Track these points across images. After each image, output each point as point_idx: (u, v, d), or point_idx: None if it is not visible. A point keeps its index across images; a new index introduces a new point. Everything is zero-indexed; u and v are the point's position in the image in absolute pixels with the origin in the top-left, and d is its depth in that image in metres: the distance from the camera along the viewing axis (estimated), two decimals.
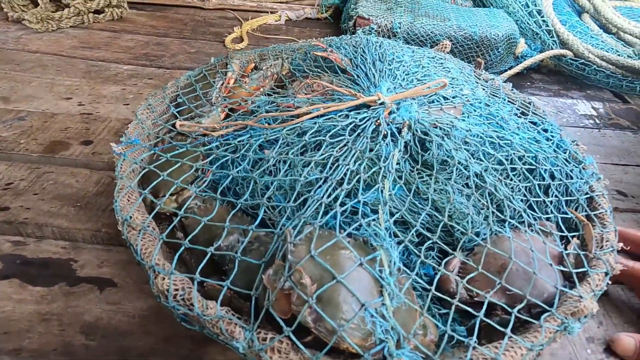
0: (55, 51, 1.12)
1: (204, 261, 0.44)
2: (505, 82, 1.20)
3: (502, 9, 1.31)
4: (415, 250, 0.47)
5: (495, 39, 1.13)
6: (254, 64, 0.78)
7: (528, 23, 1.29)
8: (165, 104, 0.73)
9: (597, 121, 1.06)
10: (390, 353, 0.34)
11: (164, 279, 0.41)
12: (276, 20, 1.51)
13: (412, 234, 0.48)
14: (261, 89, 0.76)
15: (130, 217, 0.48)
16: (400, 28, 1.13)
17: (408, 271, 0.44)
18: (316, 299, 0.36)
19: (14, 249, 0.57)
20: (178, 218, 0.50)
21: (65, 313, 0.50)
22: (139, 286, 0.54)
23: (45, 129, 0.80)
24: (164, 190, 0.54)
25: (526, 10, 1.30)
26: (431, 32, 1.12)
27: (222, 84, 0.74)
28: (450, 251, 0.48)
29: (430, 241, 0.47)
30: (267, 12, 1.56)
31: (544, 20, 1.28)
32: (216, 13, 1.54)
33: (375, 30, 1.13)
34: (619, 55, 1.22)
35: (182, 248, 0.45)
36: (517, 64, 1.25)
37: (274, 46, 0.99)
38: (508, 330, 0.39)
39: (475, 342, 0.37)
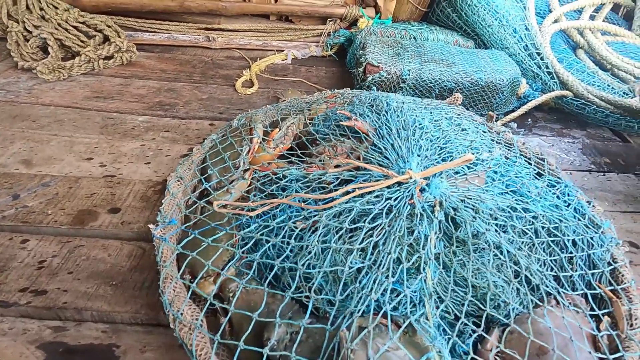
0: (69, 103, 1.13)
1: None
2: (510, 122, 1.25)
3: (503, 51, 1.36)
4: (459, 341, 0.49)
5: (500, 84, 1.18)
6: (277, 128, 0.81)
7: (529, 65, 1.34)
8: (194, 173, 0.74)
9: (601, 163, 1.10)
10: None
11: None
12: (283, 60, 1.54)
13: (459, 325, 0.50)
14: (282, 150, 0.78)
15: (182, 314, 0.49)
16: (409, 75, 1.16)
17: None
18: None
19: (55, 336, 0.58)
20: (228, 316, 0.51)
21: None
22: None
23: (70, 196, 0.80)
24: (204, 273, 0.55)
25: (527, 52, 1.36)
26: (439, 79, 1.16)
27: (248, 151, 0.76)
28: (486, 336, 0.51)
29: (476, 333, 0.49)
30: (273, 51, 1.59)
31: (544, 62, 1.33)
32: (223, 53, 1.57)
33: (385, 78, 1.17)
34: (615, 93, 1.28)
35: (239, 350, 0.46)
36: (520, 104, 1.29)
37: (290, 100, 1.02)
38: None
39: None
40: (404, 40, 1.37)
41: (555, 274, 0.59)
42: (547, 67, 1.32)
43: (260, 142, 0.78)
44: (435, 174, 0.63)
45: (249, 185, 0.71)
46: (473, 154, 0.73)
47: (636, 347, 0.50)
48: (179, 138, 1.03)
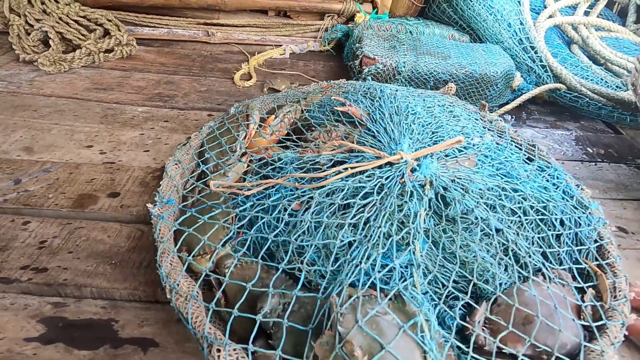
0: (70, 94, 1.15)
1: (254, 331, 0.46)
2: (505, 114, 1.27)
3: (498, 45, 1.38)
4: (447, 309, 0.51)
5: (494, 76, 1.20)
6: (274, 115, 0.82)
7: (523, 58, 1.36)
8: (191, 157, 0.76)
9: (593, 153, 1.12)
10: None
11: (219, 350, 0.44)
12: (281, 54, 1.55)
13: (446, 289, 0.51)
14: (279, 136, 0.80)
15: (178, 285, 0.50)
16: (404, 67, 1.18)
17: (447, 335, 0.48)
18: None
19: (55, 311, 0.59)
20: (223, 286, 0.52)
21: None
22: (181, 345, 0.57)
23: (71, 181, 0.82)
24: (200, 251, 0.57)
25: (521, 46, 1.37)
26: (434, 71, 1.18)
27: (245, 137, 0.78)
28: (475, 305, 0.52)
29: (463, 301, 0.51)
30: (271, 46, 1.61)
31: (538, 56, 1.35)
32: (222, 47, 1.59)
33: (381, 70, 1.19)
34: (608, 87, 1.30)
35: (232, 317, 0.47)
36: (515, 97, 1.31)
37: (287, 90, 1.04)
38: None
39: None
40: (400, 34, 1.39)
41: (542, 250, 0.60)
42: (540, 61, 1.34)
43: (257, 128, 0.80)
44: (426, 155, 0.65)
45: (246, 169, 0.73)
46: (463, 134, 0.75)
47: (619, 316, 0.51)
48: (177, 128, 1.05)
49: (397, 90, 0.85)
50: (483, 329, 0.51)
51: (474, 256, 0.55)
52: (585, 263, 0.59)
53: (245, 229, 0.61)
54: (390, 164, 0.63)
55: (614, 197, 0.95)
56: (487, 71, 1.19)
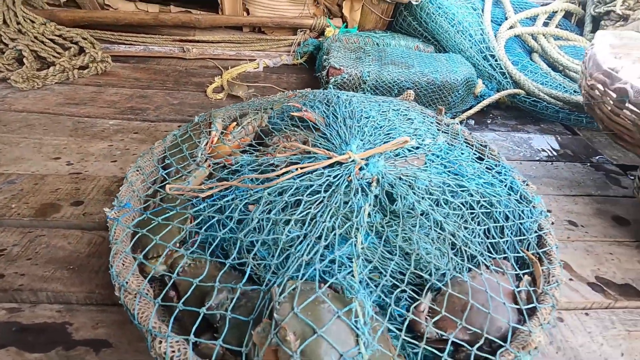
0: (42, 109, 1.17)
1: (197, 322, 0.48)
2: (468, 119, 1.32)
3: (460, 54, 1.45)
4: (387, 297, 0.53)
5: (455, 83, 1.25)
6: (235, 123, 0.85)
7: (484, 66, 1.43)
8: (153, 164, 0.78)
9: (550, 154, 1.17)
10: None
11: (161, 342, 0.45)
12: (255, 68, 1.60)
13: (386, 279, 0.54)
14: (242, 144, 0.83)
15: (127, 282, 0.52)
16: (369, 77, 1.23)
17: (380, 319, 0.50)
18: (300, 354, 0.41)
19: (10, 317, 0.60)
20: (171, 281, 0.54)
21: None
22: (134, 345, 0.57)
23: (35, 191, 0.83)
24: (154, 252, 0.58)
25: (481, 55, 1.44)
26: (397, 79, 1.23)
27: (206, 143, 0.80)
28: (417, 297, 0.55)
29: (400, 289, 0.53)
30: (246, 60, 1.66)
31: (497, 64, 1.42)
32: (197, 62, 1.63)
33: (347, 79, 1.23)
34: (565, 91, 1.36)
35: (177, 311, 0.49)
36: (477, 103, 1.37)
37: (252, 100, 1.07)
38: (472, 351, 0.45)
39: None
40: (367, 46, 1.45)
41: (482, 241, 0.63)
42: (500, 68, 1.41)
43: (219, 135, 0.83)
44: (374, 155, 0.68)
45: (209, 175, 0.75)
46: (414, 135, 0.79)
47: (550, 299, 0.54)
48: (147, 139, 1.07)
49: (353, 96, 0.89)
50: (426, 318, 0.53)
51: (417, 249, 0.58)
52: (523, 252, 0.62)
53: (200, 230, 0.62)
54: (340, 163, 0.66)
55: (567, 193, 0.99)
56: (448, 79, 1.25)
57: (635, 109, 0.80)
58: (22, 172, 0.89)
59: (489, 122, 1.35)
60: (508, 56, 1.51)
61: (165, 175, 0.73)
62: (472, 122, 1.33)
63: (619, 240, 0.84)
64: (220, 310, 0.51)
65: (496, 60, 1.43)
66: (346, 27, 1.67)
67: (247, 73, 1.58)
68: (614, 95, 0.85)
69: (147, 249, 0.57)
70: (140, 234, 0.59)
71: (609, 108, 0.88)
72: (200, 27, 1.64)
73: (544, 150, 1.19)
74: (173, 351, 0.44)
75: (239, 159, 0.73)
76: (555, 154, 1.18)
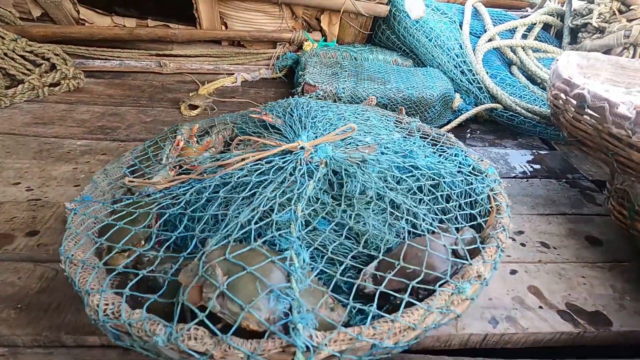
0: (7, 130, 1.13)
1: (135, 280, 0.47)
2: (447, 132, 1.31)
3: (438, 68, 1.44)
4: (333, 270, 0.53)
5: (431, 99, 1.24)
6: (197, 125, 0.86)
7: (462, 80, 1.42)
8: (121, 169, 0.77)
9: (526, 170, 1.17)
10: (293, 322, 0.38)
11: (94, 296, 0.44)
12: (233, 83, 1.58)
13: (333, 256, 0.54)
14: (212, 150, 0.83)
15: (72, 255, 0.51)
16: (344, 93, 1.22)
17: (314, 264, 0.51)
18: (226, 287, 0.41)
19: None
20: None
21: None
22: None
23: None
24: (117, 242, 0.55)
25: (459, 69, 1.44)
26: (373, 95, 1.22)
27: (171, 147, 0.79)
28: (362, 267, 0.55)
29: (344, 264, 0.54)
30: (224, 74, 1.64)
31: (474, 78, 1.41)
32: (174, 77, 1.60)
33: (322, 96, 1.22)
34: (543, 105, 1.36)
35: (116, 272, 0.49)
36: (455, 117, 1.36)
37: (222, 116, 1.06)
38: (406, 296, 0.46)
39: (376, 310, 0.43)
40: (344, 61, 1.44)
41: (429, 208, 0.66)
42: (477, 83, 1.40)
43: (186, 140, 0.82)
44: (324, 144, 0.69)
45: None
46: (369, 132, 0.80)
47: (495, 241, 0.57)
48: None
49: (312, 101, 0.91)
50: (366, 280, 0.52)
51: (364, 223, 0.59)
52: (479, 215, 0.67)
53: (161, 225, 0.61)
54: (290, 152, 0.68)
55: (541, 212, 0.98)
56: (424, 94, 1.24)
57: (593, 112, 0.81)
58: None
59: (467, 136, 1.35)
60: (486, 69, 1.51)
61: (128, 175, 0.72)
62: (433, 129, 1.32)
63: (591, 262, 0.83)
64: (162, 275, 0.50)
65: (473, 75, 1.42)
66: (325, 40, 1.67)
67: (224, 88, 1.56)
68: (574, 102, 0.86)
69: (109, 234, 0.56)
70: (105, 223, 0.58)
71: (571, 115, 0.89)
72: (177, 41, 1.62)
73: (520, 167, 1.18)
74: (107, 304, 0.43)
75: (200, 158, 0.73)
76: (531, 169, 1.17)
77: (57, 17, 1.58)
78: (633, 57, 1.51)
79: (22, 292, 0.67)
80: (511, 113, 1.35)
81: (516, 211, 0.98)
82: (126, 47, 1.63)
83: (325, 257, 0.54)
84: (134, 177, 0.71)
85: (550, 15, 1.85)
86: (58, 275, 0.70)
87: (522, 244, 0.87)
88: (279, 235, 0.51)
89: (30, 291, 0.67)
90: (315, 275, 0.50)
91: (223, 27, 1.67)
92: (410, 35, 1.51)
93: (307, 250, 0.52)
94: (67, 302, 0.65)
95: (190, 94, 1.38)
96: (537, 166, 1.19)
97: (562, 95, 0.92)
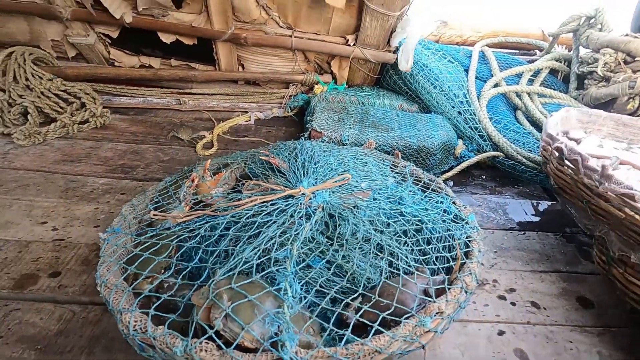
0: (39, 167, 1.24)
1: (159, 302, 0.57)
2: (447, 181, 1.35)
3: (442, 115, 1.50)
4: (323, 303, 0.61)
5: (432, 148, 1.29)
6: (210, 160, 0.97)
7: (465, 128, 1.47)
8: (145, 203, 0.86)
9: (524, 222, 1.19)
10: (282, 340, 0.48)
11: (126, 315, 0.53)
12: (246, 121, 1.67)
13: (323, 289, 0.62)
14: (226, 185, 0.91)
15: (107, 279, 0.60)
16: (348, 140, 1.28)
17: (307, 295, 0.59)
18: (230, 309, 0.51)
19: None
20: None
21: None
22: None
23: (18, 260, 0.89)
24: (144, 270, 0.64)
25: (462, 117, 1.49)
26: (375, 143, 1.28)
27: (188, 186, 0.87)
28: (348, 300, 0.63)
29: (330, 295, 0.62)
30: (239, 112, 1.74)
31: (477, 126, 1.46)
32: (192, 114, 1.71)
33: (327, 142, 1.29)
34: None
35: (142, 295, 0.58)
36: (458, 164, 1.40)
37: (234, 154, 1.14)
38: (376, 324, 0.53)
39: (350, 334, 0.52)
40: (351, 107, 1.51)
41: (411, 250, 0.73)
42: (480, 131, 1.45)
43: (200, 176, 0.90)
44: (322, 190, 0.77)
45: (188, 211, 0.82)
46: (365, 177, 0.88)
47: (460, 282, 0.65)
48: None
49: (316, 145, 1.00)
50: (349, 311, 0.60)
51: (352, 262, 0.67)
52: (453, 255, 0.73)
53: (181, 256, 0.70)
54: (292, 196, 0.76)
55: (534, 269, 1.00)
56: (425, 143, 1.29)
57: (570, 164, 0.90)
58: (10, 238, 0.95)
59: (469, 183, 1.38)
60: (491, 115, 1.55)
61: (151, 208, 0.82)
62: (451, 183, 1.36)
63: (580, 326, 0.85)
64: (180, 299, 0.59)
65: (476, 122, 1.47)
66: (335, 83, 1.75)
67: (238, 126, 1.65)
68: (556, 154, 0.94)
69: (135, 266, 0.65)
70: (133, 254, 0.67)
71: (554, 165, 0.97)
72: (197, 81, 1.73)
73: (517, 218, 1.21)
74: (136, 321, 0.52)
75: (214, 195, 0.83)
76: (529, 221, 1.20)
77: (90, 57, 1.72)
78: (638, 107, 1.53)
79: (42, 333, 0.74)
80: (513, 161, 1.38)
81: (510, 266, 1.01)
82: (150, 85, 1.75)
83: (314, 289, 0.63)
84: (157, 212, 0.80)
85: (557, 60, 1.89)
86: (75, 317, 0.77)
87: (513, 303, 0.90)
88: (276, 270, 0.60)
89: (49, 332, 0.74)
90: (307, 305, 0.59)
91: (240, 68, 1.78)
92: (416, 81, 1.58)
93: (300, 283, 0.61)
94: (81, 347, 0.72)
95: (181, 129, 1.52)
96: (536, 218, 1.21)
97: (548, 147, 0.98)
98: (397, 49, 1.60)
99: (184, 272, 0.64)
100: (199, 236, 0.70)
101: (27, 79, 1.52)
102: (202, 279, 0.65)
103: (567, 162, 0.90)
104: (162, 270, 0.65)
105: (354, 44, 1.62)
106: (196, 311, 0.52)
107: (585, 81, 1.75)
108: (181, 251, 0.69)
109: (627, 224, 0.74)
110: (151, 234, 0.72)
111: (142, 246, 0.69)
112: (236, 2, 1.50)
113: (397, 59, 1.59)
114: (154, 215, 0.77)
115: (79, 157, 1.32)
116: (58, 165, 1.27)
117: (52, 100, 1.49)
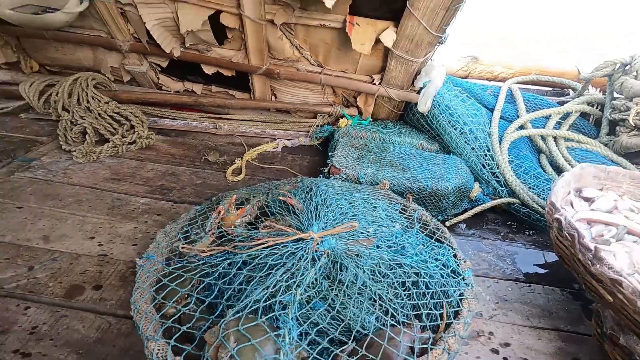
0: (92, 184, 1.43)
1: (178, 334, 0.68)
2: (460, 223, 1.39)
3: (461, 156, 1.54)
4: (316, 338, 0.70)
5: (445, 191, 1.34)
6: (235, 195, 1.08)
7: (482, 171, 1.50)
8: (176, 231, 0.99)
9: (531, 274, 1.20)
10: None
11: (151, 343, 0.65)
12: (274, 148, 1.80)
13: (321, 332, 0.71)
14: (247, 217, 1.02)
15: (139, 306, 0.72)
16: (364, 178, 1.36)
17: (305, 346, 0.66)
18: (235, 351, 0.60)
19: None
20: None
21: None
22: None
23: (70, 271, 1.05)
24: (169, 299, 0.77)
25: (479, 161, 1.52)
26: (391, 183, 1.35)
27: (214, 217, 0.99)
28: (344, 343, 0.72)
29: (328, 337, 0.70)
30: (268, 139, 1.87)
31: (494, 172, 1.48)
32: (226, 139, 1.86)
33: (345, 179, 1.37)
34: None
35: (166, 325, 0.69)
36: (473, 206, 1.43)
37: (258, 186, 1.25)
38: None
39: None
40: (372, 143, 1.59)
41: (405, 303, 0.79)
42: (497, 177, 1.47)
43: (226, 209, 1.02)
44: (331, 235, 0.86)
45: (212, 241, 0.94)
46: (373, 222, 0.96)
47: (443, 343, 0.71)
48: (166, 222, 1.27)
49: (332, 187, 1.09)
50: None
51: (349, 309, 0.75)
52: (441, 312, 0.78)
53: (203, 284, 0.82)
54: (302, 239, 0.85)
55: (534, 324, 1.03)
56: (439, 186, 1.34)
57: (568, 236, 0.92)
58: (64, 250, 1.11)
59: (482, 226, 1.41)
60: (512, 158, 1.57)
61: (182, 240, 0.95)
62: (463, 225, 1.40)
63: None
64: (198, 332, 0.70)
65: (495, 167, 1.49)
66: (360, 116, 1.84)
67: (266, 153, 1.78)
68: (556, 225, 0.97)
69: (163, 294, 0.78)
70: (162, 283, 0.79)
71: (555, 232, 0.99)
72: (232, 108, 1.89)
73: (525, 269, 1.22)
74: (159, 349, 0.64)
75: (236, 231, 0.94)
76: (536, 272, 1.21)
77: (142, 82, 1.93)
78: None
79: (84, 340, 0.88)
80: (528, 209, 1.39)
81: (509, 319, 1.04)
82: (191, 109, 1.93)
83: (315, 329, 0.72)
84: (185, 243, 0.93)
85: (589, 104, 1.86)
86: (110, 328, 0.91)
87: (505, 359, 0.93)
88: (279, 314, 0.70)
89: (89, 339, 0.88)
90: (307, 345, 0.68)
91: (273, 97, 1.92)
92: (437, 121, 1.63)
93: (298, 329, 0.70)
94: (114, 356, 0.85)
95: (211, 152, 1.68)
96: (544, 271, 1.22)
97: (550, 214, 1.00)
98: (421, 89, 1.66)
99: (202, 306, 0.75)
100: (217, 273, 0.81)
101: (88, 102, 1.74)
102: (216, 313, 0.75)
103: (565, 232, 0.92)
104: (185, 299, 0.77)
105: (380, 83, 1.70)
106: (207, 348, 0.62)
107: (617, 127, 1.72)
108: (202, 285, 0.80)
109: (617, 307, 0.76)
110: (177, 265, 0.85)
111: (170, 277, 0.81)
112: (272, 42, 1.63)
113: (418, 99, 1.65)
114: (182, 247, 0.89)
115: (125, 176, 1.50)
116: (107, 183, 1.45)
117: (107, 121, 1.70)
